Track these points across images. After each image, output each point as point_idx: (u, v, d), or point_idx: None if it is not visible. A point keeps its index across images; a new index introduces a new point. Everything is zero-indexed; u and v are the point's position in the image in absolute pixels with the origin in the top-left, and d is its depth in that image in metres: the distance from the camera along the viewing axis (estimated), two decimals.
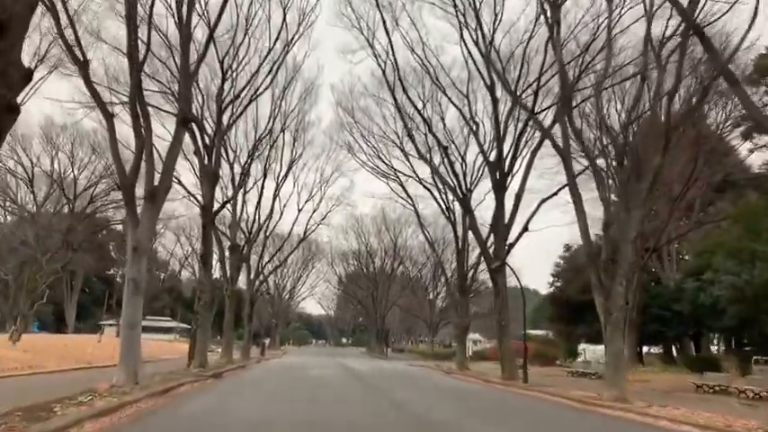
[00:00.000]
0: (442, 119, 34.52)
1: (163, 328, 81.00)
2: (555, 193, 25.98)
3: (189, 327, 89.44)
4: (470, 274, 35.51)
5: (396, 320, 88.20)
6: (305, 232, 43.20)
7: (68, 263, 46.25)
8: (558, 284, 44.72)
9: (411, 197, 38.44)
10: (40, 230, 44.62)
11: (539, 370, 36.00)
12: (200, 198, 27.23)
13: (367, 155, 38.80)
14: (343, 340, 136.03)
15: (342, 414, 12.89)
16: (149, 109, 18.24)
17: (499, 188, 26.89)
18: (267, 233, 41.14)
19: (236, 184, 32.47)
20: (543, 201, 26.90)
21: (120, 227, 79.76)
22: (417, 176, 37.45)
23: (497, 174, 27.06)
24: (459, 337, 35.34)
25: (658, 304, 36.65)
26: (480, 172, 34.93)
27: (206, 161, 26.23)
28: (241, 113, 28.19)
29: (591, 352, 58.19)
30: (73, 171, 46.42)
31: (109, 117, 16.19)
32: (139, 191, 17.06)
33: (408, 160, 37.36)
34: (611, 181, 27.31)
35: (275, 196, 39.15)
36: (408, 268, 74.63)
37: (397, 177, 38.47)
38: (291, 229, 42.60)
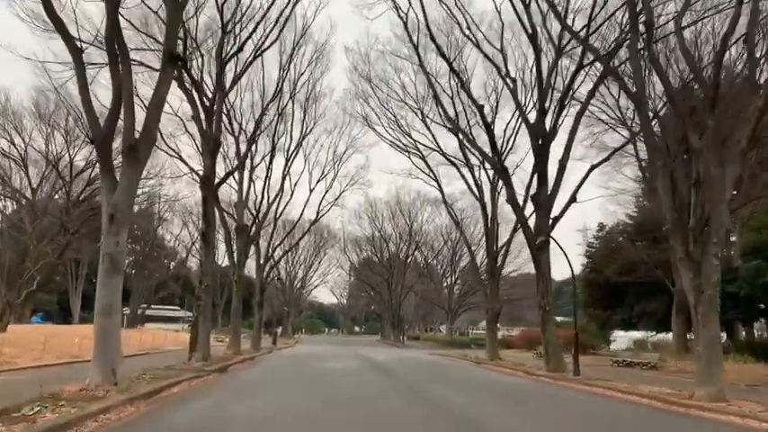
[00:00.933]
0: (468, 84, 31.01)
1: (170, 317, 78.47)
2: (608, 157, 22.53)
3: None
4: (502, 253, 32.04)
5: (410, 308, 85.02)
6: (317, 214, 40.02)
7: (66, 249, 43.21)
8: (592, 266, 41.17)
9: (433, 171, 35.05)
10: (36, 214, 41.63)
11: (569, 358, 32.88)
12: (201, 172, 24.02)
13: (385, 127, 35.43)
14: (356, 329, 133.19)
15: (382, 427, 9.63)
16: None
17: (541, 154, 23.43)
18: (277, 214, 37.93)
19: (242, 153, 29.21)
20: (594, 166, 23.50)
21: None
22: (441, 149, 34.06)
23: (539, 138, 23.59)
24: (489, 324, 32.04)
25: None
26: (511, 142, 31.53)
27: (205, 126, 22.95)
28: (244, 71, 24.83)
29: (624, 339, 54.82)
30: (68, 152, 43.22)
31: (76, 51, 12.92)
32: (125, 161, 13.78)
33: (430, 131, 33.97)
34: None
35: (285, 175, 35.91)
36: (425, 253, 71.34)
37: (418, 151, 35.08)
38: (303, 210, 39.40)
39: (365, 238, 74.58)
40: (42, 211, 42.17)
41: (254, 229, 32.73)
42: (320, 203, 40.12)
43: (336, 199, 41.09)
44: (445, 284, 72.75)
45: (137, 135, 13.39)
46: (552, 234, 23.00)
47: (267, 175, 33.39)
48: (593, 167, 23.63)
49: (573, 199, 22.98)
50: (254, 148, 32.98)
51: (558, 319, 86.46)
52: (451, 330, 68.96)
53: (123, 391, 12.06)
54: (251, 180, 32.51)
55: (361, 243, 76.04)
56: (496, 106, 32.09)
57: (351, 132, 40.04)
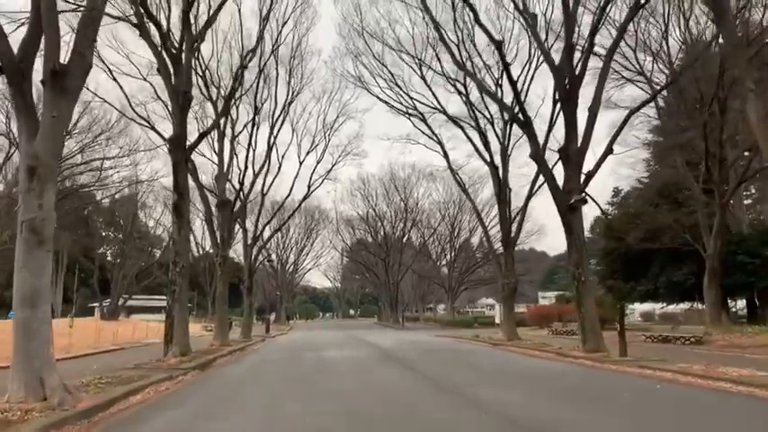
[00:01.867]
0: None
1: (155, 307, 74.69)
2: (652, 98, 19.09)
3: (189, 305, 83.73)
4: (517, 220, 28.70)
5: (408, 288, 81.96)
6: (308, 189, 36.39)
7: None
8: (610, 234, 37.96)
9: (436, 134, 31.50)
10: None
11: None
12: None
13: (381, 87, 31.85)
14: (351, 312, 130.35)
15: None
16: None
17: (569, 99, 19.98)
18: (264, 189, 34.32)
19: (219, 110, 25.50)
20: (634, 111, 20.14)
21: (106, 202, 73.21)
22: (443, 109, 30.54)
23: (566, 81, 20.12)
24: (506, 301, 28.77)
25: (744, 250, 30.05)
26: (523, 95, 27.97)
27: (173, 80, 19.28)
28: (218, 11, 20.97)
29: (639, 312, 51.99)
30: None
31: None
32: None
33: (431, 89, 30.42)
34: None
35: (271, 145, 32.21)
36: (422, 230, 68.06)
37: (418, 112, 31.51)
38: (293, 185, 35.73)
39: (359, 218, 71.15)
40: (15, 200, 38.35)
41: (237, 204, 29.09)
42: (311, 177, 36.59)
43: (329, 172, 37.59)
44: (444, 262, 69.63)
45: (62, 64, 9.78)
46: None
47: (250, 143, 29.77)
48: (632, 112, 20.28)
49: (610, 150, 19.60)
50: (234, 113, 29.33)
51: (553, 294, 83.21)
52: (453, 309, 65.92)
53: (52, 409, 8.62)
54: (233, 150, 28.88)
55: (355, 223, 72.62)
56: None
57: (342, 98, 36.22)
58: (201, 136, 20.30)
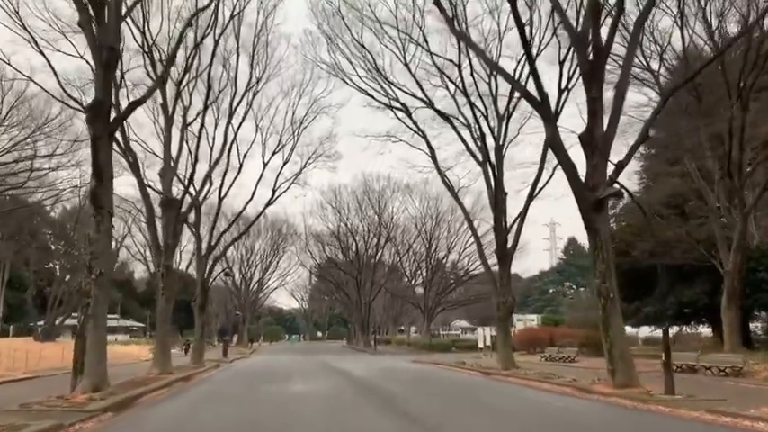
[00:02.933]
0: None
1: (110, 327, 68.65)
2: (692, 76, 15.45)
3: (142, 325, 77.14)
4: (514, 229, 24.65)
5: (380, 308, 77.47)
6: (273, 192, 31.97)
7: None
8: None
9: (421, 129, 27.48)
10: None
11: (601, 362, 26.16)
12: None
13: (359, 75, 27.90)
14: (319, 334, 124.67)
15: None
16: None
17: (595, 76, 16.18)
18: (221, 192, 29.81)
19: (158, 73, 21.07)
20: (674, 90, 16.42)
21: (56, 211, 67.24)
22: (429, 101, 26.68)
23: (590, 52, 16.37)
24: (501, 321, 24.63)
25: (766, 266, 26.70)
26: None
27: (97, 32, 14.93)
28: None
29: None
30: None
31: None
32: None
33: (415, 77, 26.55)
34: None
35: (229, 140, 27.87)
36: (396, 246, 63.87)
37: (401, 104, 27.57)
38: (255, 188, 31.28)
39: (329, 233, 66.57)
40: None
41: (187, 206, 24.47)
42: (276, 181, 32.21)
43: (297, 175, 33.25)
44: (420, 280, 65.49)
45: None
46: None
47: (202, 129, 25.28)
48: (672, 92, 16.67)
49: (646, 135, 15.88)
50: (187, 98, 24.94)
51: (532, 317, 79.44)
52: (430, 332, 61.63)
53: None
54: (183, 140, 24.41)
55: (325, 238, 67.92)
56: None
57: (314, 91, 32.19)
58: (132, 105, 15.92)
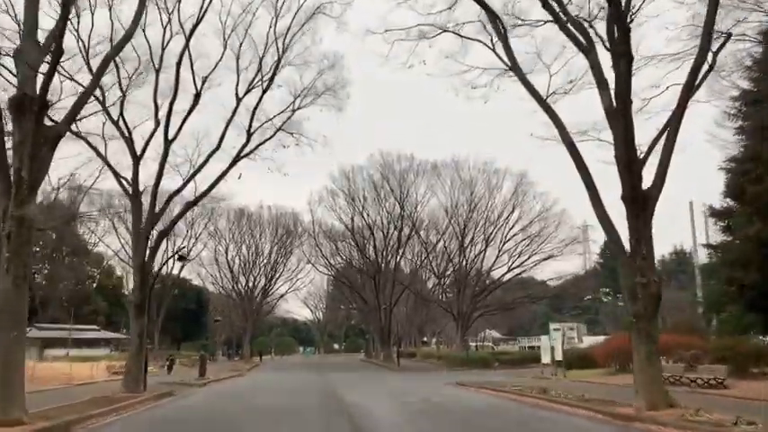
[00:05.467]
0: None
1: (87, 340, 58.73)
2: None
3: (127, 338, 66.70)
4: (660, 153, 13.72)
5: (402, 315, 66.70)
6: (248, 135, 21.50)
7: None
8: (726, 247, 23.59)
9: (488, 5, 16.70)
10: None
11: None
12: None
13: None
14: (335, 346, 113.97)
15: None
16: None
17: None
18: (169, 131, 19.53)
19: None
20: None
21: None
22: None
23: None
24: (641, 319, 13.35)
25: None
26: None
27: None
28: None
29: None
30: None
31: None
32: None
33: None
34: None
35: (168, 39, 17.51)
36: (421, 240, 53.08)
37: None
38: (225, 130, 21.00)
39: (342, 227, 56.02)
40: None
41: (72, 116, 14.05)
42: (252, 117, 21.78)
43: (287, 121, 22.80)
44: (449, 280, 54.61)
45: None
46: None
47: None
48: None
49: None
50: None
51: (571, 325, 67.51)
52: (465, 343, 50.56)
53: None
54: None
55: (337, 235, 57.27)
56: None
57: None
58: None
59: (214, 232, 64.80)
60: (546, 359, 29.02)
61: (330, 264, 58.56)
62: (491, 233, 48.68)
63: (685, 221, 48.62)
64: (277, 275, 69.13)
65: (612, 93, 14.13)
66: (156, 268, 23.99)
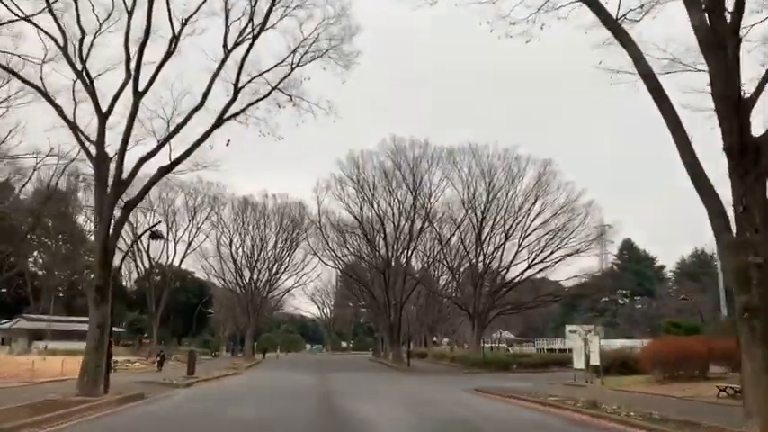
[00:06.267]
0: None
1: (78, 332, 55.41)
2: None
3: (121, 330, 63.52)
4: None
5: (413, 313, 63.08)
6: (235, 89, 18.01)
7: None
8: None
9: None
10: None
11: None
12: None
13: None
14: (343, 344, 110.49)
15: None
16: None
17: None
18: (139, 82, 16.07)
19: None
20: None
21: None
22: None
23: None
24: (746, 319, 10.01)
25: None
26: None
27: None
28: None
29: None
30: None
31: None
32: None
33: None
34: None
35: None
36: (437, 231, 49.41)
37: None
38: (210, 85, 17.46)
39: (350, 219, 52.46)
40: None
41: None
42: (240, 70, 18.26)
43: (285, 79, 19.27)
44: (462, 275, 50.95)
45: None
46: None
47: None
48: None
49: None
50: None
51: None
52: (481, 342, 46.80)
53: None
54: None
55: (346, 226, 53.70)
56: None
57: None
58: None
59: (217, 222, 61.85)
60: (579, 364, 25.31)
61: (337, 256, 54.92)
62: (511, 226, 44.99)
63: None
64: (282, 269, 65.65)
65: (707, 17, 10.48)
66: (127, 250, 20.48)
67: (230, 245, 63.29)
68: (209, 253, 64.67)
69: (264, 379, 30.56)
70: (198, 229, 61.60)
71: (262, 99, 19.31)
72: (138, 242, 61.59)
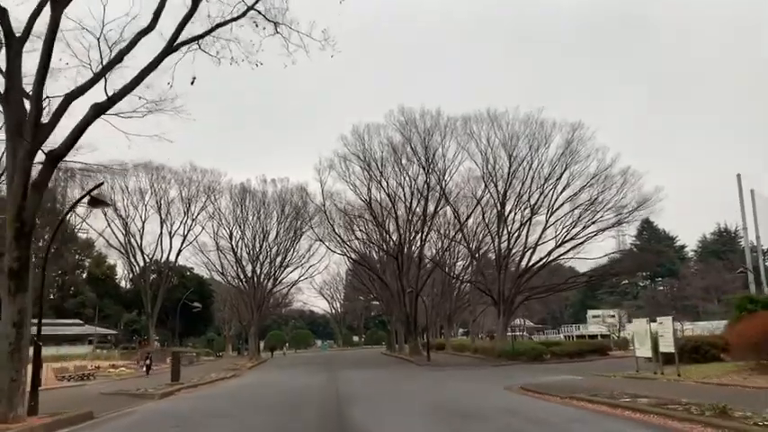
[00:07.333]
0: None
1: (67, 336, 51.25)
2: None
3: (114, 332, 59.16)
4: None
5: (427, 304, 58.39)
6: (194, 3, 13.51)
7: None
8: None
9: None
10: None
11: None
12: None
13: None
14: (355, 338, 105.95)
15: None
16: None
17: None
18: None
19: None
20: None
21: None
22: None
23: None
24: None
25: None
26: None
27: None
28: None
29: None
30: None
31: None
32: None
33: None
34: None
35: None
36: (455, 209, 44.57)
37: None
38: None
39: (358, 203, 47.74)
40: None
41: None
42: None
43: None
44: (483, 258, 46.20)
45: None
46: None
47: None
48: None
49: None
50: None
51: (611, 312, 57.86)
52: (509, 331, 42.03)
53: None
54: None
55: (352, 210, 49.01)
56: None
57: None
58: None
59: (214, 213, 57.39)
60: (644, 351, 20.57)
61: (343, 240, 49.97)
62: (537, 200, 40.14)
63: (730, 197, 35.85)
64: (287, 261, 60.98)
65: None
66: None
67: (230, 237, 58.79)
68: (208, 247, 60.27)
69: (263, 383, 25.99)
70: (194, 220, 57.43)
71: (235, 20, 14.60)
72: (134, 238, 57.83)
